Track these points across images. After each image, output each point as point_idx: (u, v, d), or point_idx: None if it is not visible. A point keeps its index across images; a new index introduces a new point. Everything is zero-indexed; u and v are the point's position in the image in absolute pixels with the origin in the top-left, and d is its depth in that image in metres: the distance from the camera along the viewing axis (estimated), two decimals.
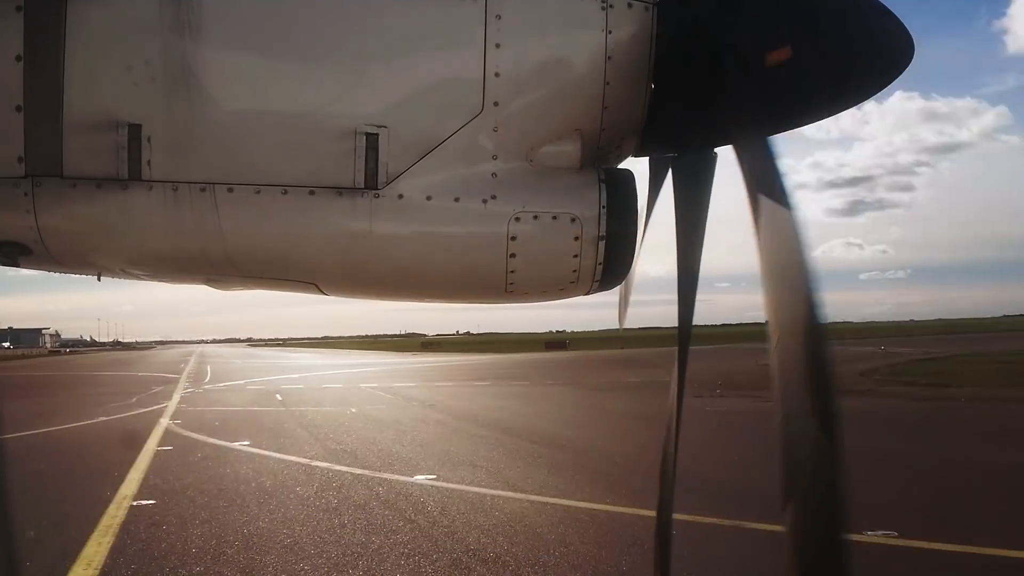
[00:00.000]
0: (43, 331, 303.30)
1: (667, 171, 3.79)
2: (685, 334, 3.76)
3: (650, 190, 3.97)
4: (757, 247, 3.07)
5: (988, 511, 13.02)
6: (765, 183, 3.09)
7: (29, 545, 10.72)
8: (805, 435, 2.73)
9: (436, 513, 12.96)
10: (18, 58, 3.18)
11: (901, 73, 3.56)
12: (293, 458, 18.79)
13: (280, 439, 22.29)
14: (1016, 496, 14.13)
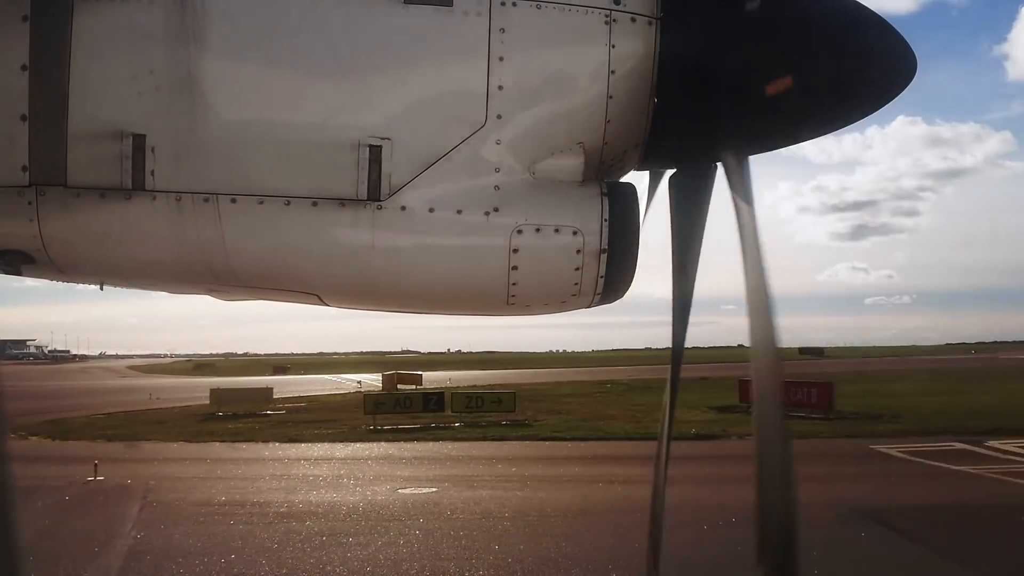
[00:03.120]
0: (28, 343, 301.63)
1: (663, 185, 3.82)
2: (678, 351, 3.76)
3: (647, 203, 3.99)
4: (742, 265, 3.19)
5: None
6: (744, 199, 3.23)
7: None
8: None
9: None
10: (23, 67, 3.19)
11: (904, 88, 3.61)
12: None
13: None
14: None
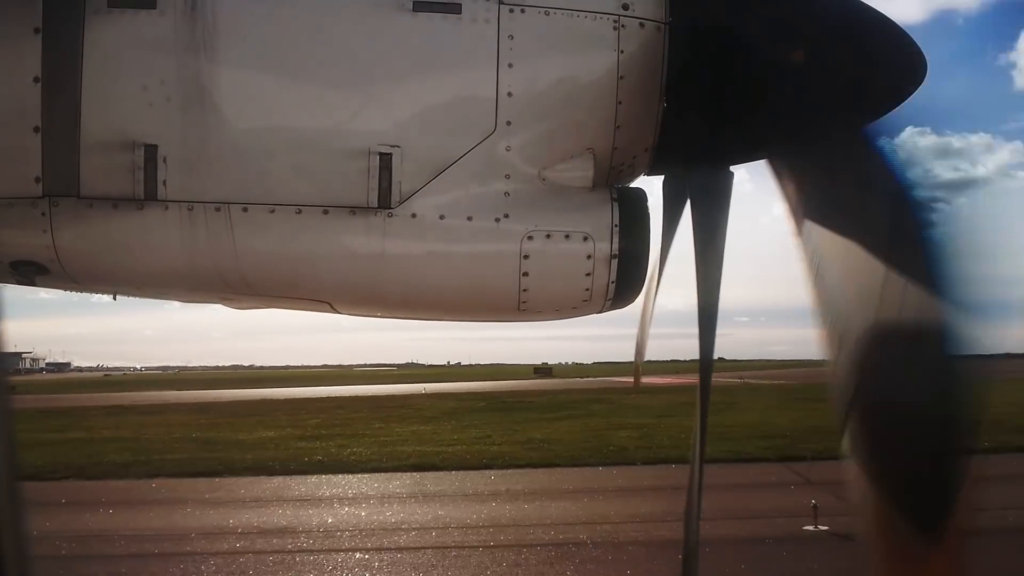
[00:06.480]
0: (23, 355, 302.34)
1: (685, 192, 3.81)
2: (706, 364, 3.69)
3: (666, 213, 3.98)
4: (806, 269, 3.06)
5: None
6: (819, 193, 3.13)
7: None
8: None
9: None
10: (36, 79, 3.20)
11: (914, 91, 3.60)
12: None
13: None
14: None
